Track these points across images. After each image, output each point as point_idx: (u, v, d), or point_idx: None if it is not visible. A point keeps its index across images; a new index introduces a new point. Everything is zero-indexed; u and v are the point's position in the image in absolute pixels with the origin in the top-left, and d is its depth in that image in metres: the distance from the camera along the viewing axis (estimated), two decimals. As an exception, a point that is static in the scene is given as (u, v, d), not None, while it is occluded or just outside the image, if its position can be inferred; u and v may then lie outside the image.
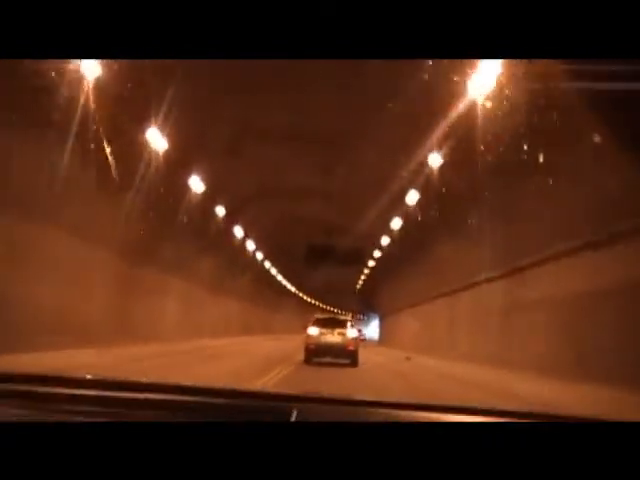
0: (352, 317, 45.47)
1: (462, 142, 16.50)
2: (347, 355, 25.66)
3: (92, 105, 13.51)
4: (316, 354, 25.56)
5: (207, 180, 27.58)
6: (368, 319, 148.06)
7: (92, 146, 16.41)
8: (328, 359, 25.81)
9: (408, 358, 28.71)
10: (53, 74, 12.45)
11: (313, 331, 26.21)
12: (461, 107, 16.66)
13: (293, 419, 2.57)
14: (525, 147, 14.05)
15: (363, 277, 62.53)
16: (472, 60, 12.14)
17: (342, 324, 27.49)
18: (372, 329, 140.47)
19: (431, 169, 22.57)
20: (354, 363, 25.10)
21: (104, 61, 12.43)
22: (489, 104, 13.15)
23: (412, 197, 25.50)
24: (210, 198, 29.71)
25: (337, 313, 61.94)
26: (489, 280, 25.54)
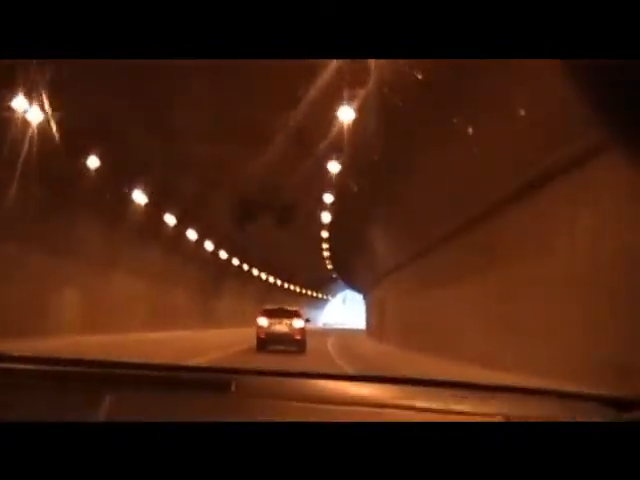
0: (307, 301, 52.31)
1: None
2: (295, 343, 29.62)
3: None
4: (266, 343, 29.41)
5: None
6: (335, 298, 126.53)
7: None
8: (280, 347, 28.85)
9: None
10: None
11: (262, 322, 30.18)
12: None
13: (232, 389, 2.70)
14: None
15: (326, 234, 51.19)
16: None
17: (289, 314, 31.29)
18: (353, 310, 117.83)
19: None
20: (302, 350, 29.05)
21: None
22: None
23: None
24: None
25: (292, 294, 60.80)
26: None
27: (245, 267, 63.96)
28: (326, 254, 61.33)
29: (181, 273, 47.32)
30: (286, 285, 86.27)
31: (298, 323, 30.10)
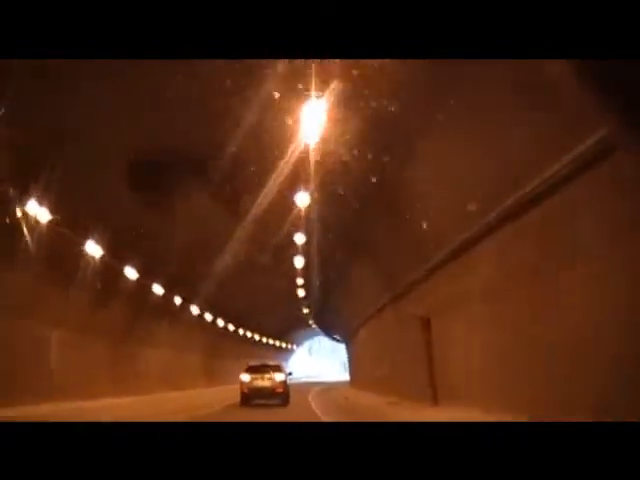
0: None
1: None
2: (277, 397, 31.06)
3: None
4: (249, 398, 31.07)
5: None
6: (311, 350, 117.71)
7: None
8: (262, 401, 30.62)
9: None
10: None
11: (245, 377, 31.81)
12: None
13: None
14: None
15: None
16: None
17: (271, 369, 32.84)
18: (321, 362, 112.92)
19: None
20: (285, 403, 30.75)
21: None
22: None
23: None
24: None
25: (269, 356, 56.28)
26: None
27: (177, 301, 43.98)
28: (301, 292, 49.19)
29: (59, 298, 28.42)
30: (242, 332, 67.96)
31: (280, 377, 32.23)
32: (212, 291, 41.88)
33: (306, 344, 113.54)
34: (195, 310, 47.94)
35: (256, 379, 31.95)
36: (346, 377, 75.87)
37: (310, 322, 74.91)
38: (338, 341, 79.69)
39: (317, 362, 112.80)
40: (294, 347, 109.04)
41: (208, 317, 52.51)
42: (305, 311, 63.79)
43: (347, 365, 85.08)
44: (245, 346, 69.39)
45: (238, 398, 32.34)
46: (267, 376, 32.22)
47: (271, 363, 35.86)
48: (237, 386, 32.73)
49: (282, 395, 31.61)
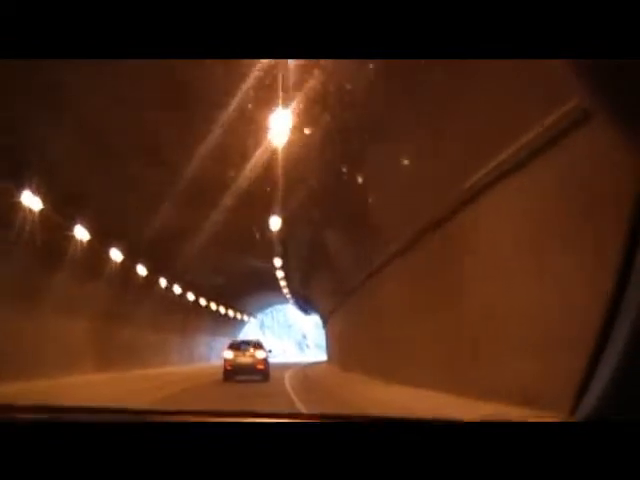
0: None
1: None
2: (258, 373, 33.60)
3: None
4: (232, 374, 33.72)
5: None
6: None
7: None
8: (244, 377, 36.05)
9: None
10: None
11: (229, 354, 34.54)
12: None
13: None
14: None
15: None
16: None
17: (252, 346, 35.80)
18: (288, 340, 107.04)
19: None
20: (266, 379, 33.56)
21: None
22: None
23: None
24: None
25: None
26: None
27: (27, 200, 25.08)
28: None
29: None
30: (164, 283, 48.03)
31: (261, 354, 34.76)
32: (106, 194, 27.31)
33: (260, 317, 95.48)
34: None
35: (238, 356, 35.53)
36: (304, 359, 75.14)
37: (277, 269, 51.24)
38: (307, 312, 72.82)
39: (269, 340, 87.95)
40: (244, 317, 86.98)
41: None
42: (276, 255, 44.77)
43: (304, 345, 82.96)
44: (170, 308, 52.13)
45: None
46: (249, 353, 35.96)
47: (252, 340, 40.78)
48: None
49: (263, 372, 35.07)
